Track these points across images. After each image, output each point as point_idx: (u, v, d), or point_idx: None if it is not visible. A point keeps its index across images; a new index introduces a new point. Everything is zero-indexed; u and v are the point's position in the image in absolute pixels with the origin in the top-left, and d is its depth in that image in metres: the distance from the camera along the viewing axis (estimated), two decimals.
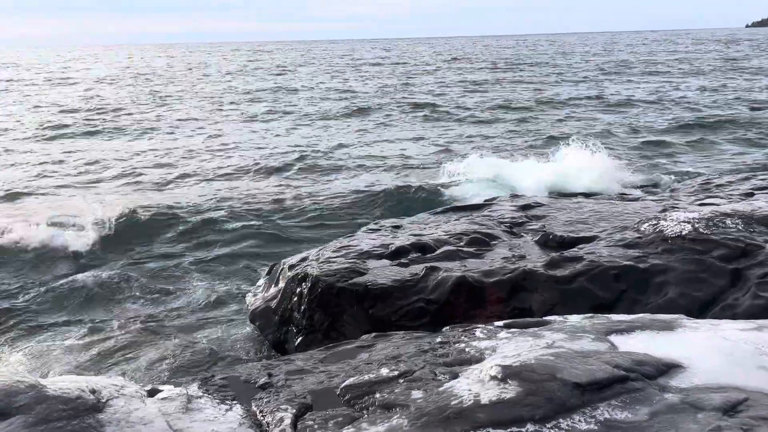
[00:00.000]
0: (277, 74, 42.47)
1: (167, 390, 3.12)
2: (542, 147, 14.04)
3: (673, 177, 11.11)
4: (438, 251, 5.82)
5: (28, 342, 5.76)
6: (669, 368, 3.02)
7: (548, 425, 2.61)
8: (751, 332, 3.42)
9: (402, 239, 6.22)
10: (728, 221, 5.57)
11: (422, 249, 5.89)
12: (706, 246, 5.23)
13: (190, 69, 51.43)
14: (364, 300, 5.29)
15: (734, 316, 4.43)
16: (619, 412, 2.67)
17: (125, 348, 5.66)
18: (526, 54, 59.83)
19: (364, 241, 6.35)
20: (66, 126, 19.77)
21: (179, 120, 21.02)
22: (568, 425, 2.60)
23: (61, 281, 7.27)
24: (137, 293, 7.05)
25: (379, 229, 6.94)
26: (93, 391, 2.87)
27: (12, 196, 10.87)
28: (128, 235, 8.97)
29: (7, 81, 40.18)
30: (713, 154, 13.82)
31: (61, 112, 23.58)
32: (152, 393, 3.06)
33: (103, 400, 2.84)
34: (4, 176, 12.44)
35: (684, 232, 5.41)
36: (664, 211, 6.44)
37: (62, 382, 2.92)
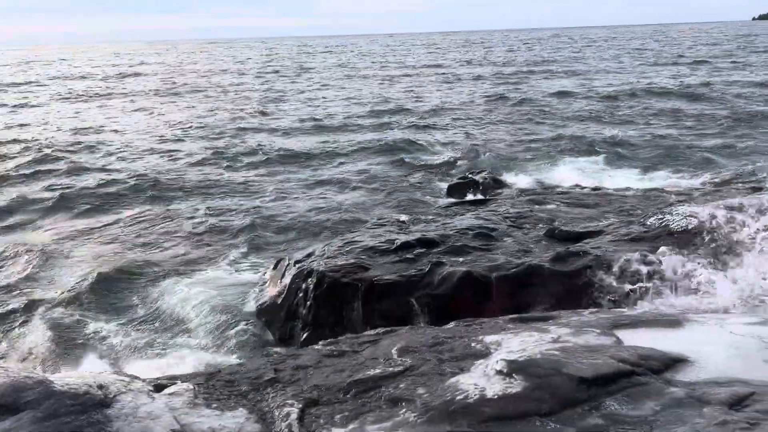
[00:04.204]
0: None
1: (174, 385, 3.13)
2: None
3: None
4: (443, 246, 5.82)
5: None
6: (675, 362, 3.01)
7: (553, 419, 2.61)
8: (758, 326, 3.41)
9: (407, 234, 6.22)
10: (735, 215, 5.54)
11: (428, 244, 5.89)
12: (712, 239, 5.21)
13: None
14: (370, 295, 5.30)
15: (741, 310, 4.42)
16: (624, 407, 2.66)
17: (131, 344, 5.68)
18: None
19: (369, 236, 6.36)
20: None
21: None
22: (573, 420, 2.60)
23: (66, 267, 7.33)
24: (141, 287, 7.08)
25: (384, 224, 6.95)
26: (100, 387, 2.89)
27: None
28: (133, 226, 9.03)
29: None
30: None
31: None
32: (159, 388, 3.08)
33: (111, 396, 2.85)
34: None
35: (690, 226, 5.39)
36: (670, 204, 6.42)
37: (70, 378, 2.94)
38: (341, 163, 13.15)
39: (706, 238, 5.25)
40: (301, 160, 13.60)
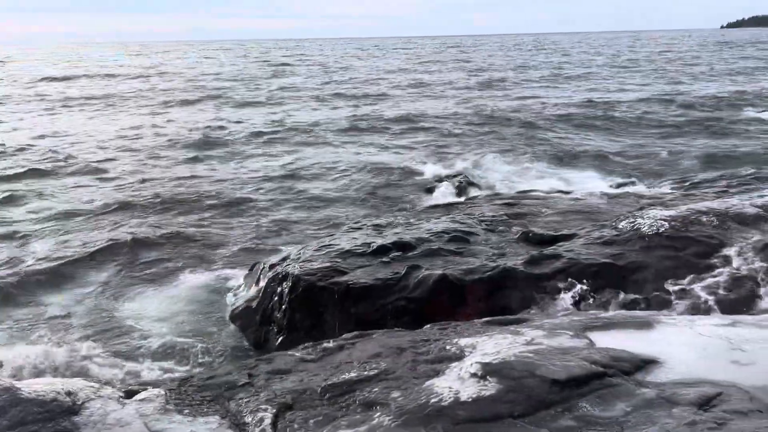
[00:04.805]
0: None
1: (145, 391, 3.09)
2: None
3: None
4: (419, 249, 5.84)
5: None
6: (646, 364, 3.06)
7: (527, 421, 2.63)
8: (726, 327, 3.48)
9: (383, 238, 6.22)
10: (704, 218, 5.66)
11: (404, 247, 5.89)
12: (682, 243, 5.32)
13: None
14: (346, 299, 5.29)
15: (709, 312, 4.51)
16: (596, 408, 2.70)
17: (101, 348, 5.58)
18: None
19: (345, 239, 6.34)
20: None
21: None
22: (546, 421, 2.63)
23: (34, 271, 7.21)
24: (111, 289, 6.96)
25: (361, 228, 6.94)
26: (69, 393, 2.84)
27: None
28: (99, 227, 8.89)
29: None
30: None
31: None
32: (130, 394, 3.03)
33: (79, 403, 2.80)
34: None
35: (661, 230, 5.49)
36: (641, 208, 6.52)
37: (37, 385, 2.88)
38: (314, 167, 13.09)
39: (675, 241, 5.35)
40: (272, 164, 13.50)
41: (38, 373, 4.96)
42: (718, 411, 2.59)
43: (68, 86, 33.44)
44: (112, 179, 12.23)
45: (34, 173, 12.65)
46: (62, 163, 13.55)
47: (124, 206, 10.14)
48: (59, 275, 7.29)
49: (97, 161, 13.82)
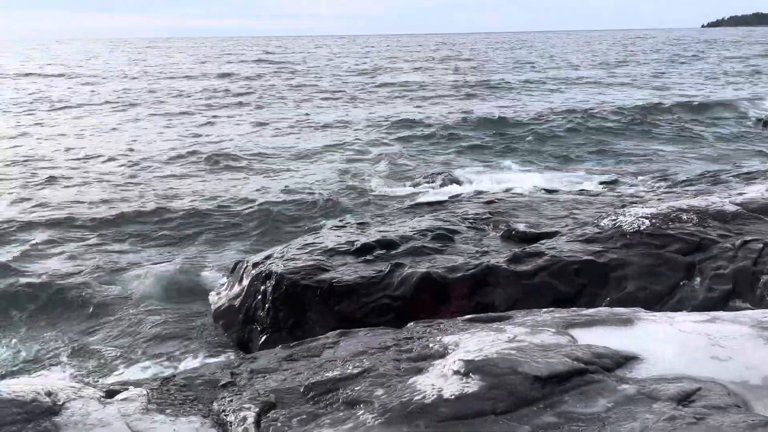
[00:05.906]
0: None
1: (127, 391, 3.06)
2: None
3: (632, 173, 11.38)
4: (403, 247, 5.84)
5: None
6: (627, 360, 3.09)
7: (509, 418, 2.64)
8: (705, 324, 3.52)
9: (367, 236, 6.22)
10: (684, 216, 5.73)
11: (387, 245, 5.90)
12: (663, 240, 5.37)
13: None
14: (329, 297, 5.28)
15: (690, 308, 4.56)
16: (578, 404, 2.72)
17: (82, 348, 5.53)
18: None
19: (330, 238, 6.33)
20: None
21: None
22: (528, 418, 2.65)
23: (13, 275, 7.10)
24: (93, 291, 6.88)
25: (345, 226, 6.94)
26: (49, 394, 2.80)
27: None
28: (82, 228, 8.78)
29: None
30: None
31: None
32: (111, 394, 3.00)
33: (60, 403, 2.77)
34: None
35: (642, 227, 5.54)
36: (623, 206, 6.59)
37: (16, 385, 2.84)
38: (294, 171, 13.03)
39: (656, 239, 5.41)
40: (253, 167, 13.42)
41: (16, 373, 4.90)
42: (698, 406, 2.63)
43: None
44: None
45: None
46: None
47: (97, 205, 10.02)
48: (36, 273, 7.20)
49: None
